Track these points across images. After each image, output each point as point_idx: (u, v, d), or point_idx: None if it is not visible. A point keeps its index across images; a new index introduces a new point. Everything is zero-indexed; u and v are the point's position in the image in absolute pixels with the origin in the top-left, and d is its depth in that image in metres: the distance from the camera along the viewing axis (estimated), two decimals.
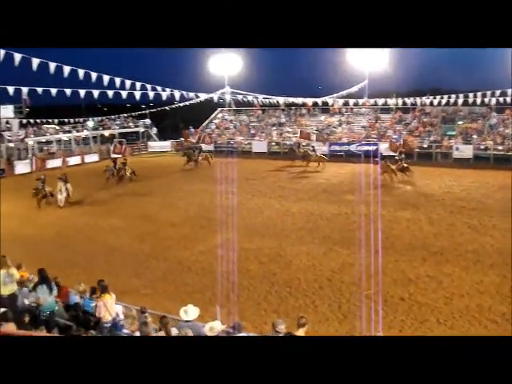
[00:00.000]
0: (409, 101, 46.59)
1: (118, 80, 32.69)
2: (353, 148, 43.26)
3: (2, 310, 6.32)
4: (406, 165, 32.22)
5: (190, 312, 9.58)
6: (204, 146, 45.45)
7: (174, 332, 8.86)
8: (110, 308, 10.65)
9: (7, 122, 45.50)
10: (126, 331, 10.29)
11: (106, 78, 31.47)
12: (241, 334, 9.00)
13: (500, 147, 39.79)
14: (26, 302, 11.54)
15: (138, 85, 35.74)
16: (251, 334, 9.68)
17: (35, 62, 26.09)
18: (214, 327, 8.69)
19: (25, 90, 36.14)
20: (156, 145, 53.07)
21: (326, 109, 51.54)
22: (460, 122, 44.58)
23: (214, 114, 55.89)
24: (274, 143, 47.72)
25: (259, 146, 47.41)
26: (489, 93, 41.94)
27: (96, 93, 34.49)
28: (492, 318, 12.82)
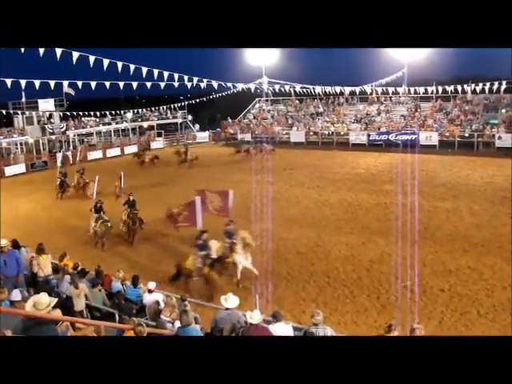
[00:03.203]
0: (449, 88, 45.69)
1: (156, 72, 33.00)
2: (392, 137, 42.72)
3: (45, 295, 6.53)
4: None
5: (230, 300, 9.66)
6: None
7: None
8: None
9: (50, 116, 46.45)
10: (165, 318, 10.47)
11: (144, 70, 31.76)
12: (279, 323, 9.08)
13: None
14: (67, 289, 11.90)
15: (176, 76, 36.06)
16: (289, 323, 9.73)
17: (75, 55, 26.50)
18: (254, 316, 8.75)
19: (65, 83, 36.93)
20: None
21: (364, 98, 51.00)
22: (503, 111, 43.49)
23: (251, 105, 55.93)
24: (312, 133, 47.51)
25: (297, 135, 47.28)
26: None
27: (134, 85, 34.98)
28: None
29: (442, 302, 13.36)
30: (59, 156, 33.92)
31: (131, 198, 20.36)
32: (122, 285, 13.18)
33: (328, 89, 49.81)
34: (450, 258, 16.43)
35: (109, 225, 18.98)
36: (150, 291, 12.17)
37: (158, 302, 11.76)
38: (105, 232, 19.01)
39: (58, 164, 32.21)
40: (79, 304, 11.26)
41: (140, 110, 53.74)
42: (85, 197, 26.36)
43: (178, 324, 8.90)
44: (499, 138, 39.36)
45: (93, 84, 34.43)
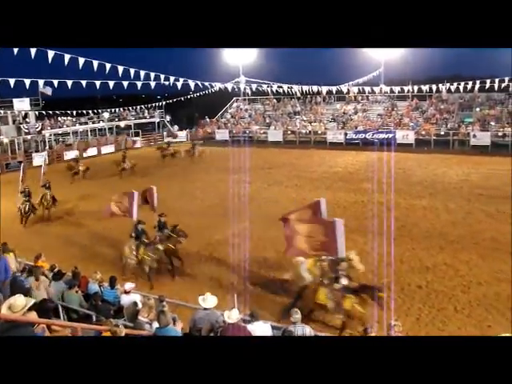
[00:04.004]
0: (425, 88, 46.16)
1: (132, 71, 32.79)
2: (369, 136, 43.01)
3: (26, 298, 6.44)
4: None
5: (208, 300, 9.67)
6: None
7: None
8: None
9: (25, 115, 45.84)
10: (143, 319, 10.39)
11: (120, 69, 31.55)
12: (257, 322, 9.09)
13: None
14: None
15: (152, 75, 35.91)
16: (267, 322, 9.74)
17: (50, 54, 26.21)
18: (232, 316, 8.76)
19: (41, 82, 36.46)
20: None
21: (341, 97, 51.30)
22: (477, 109, 44.09)
23: (229, 104, 55.88)
24: (289, 132, 47.63)
25: (275, 134, 47.36)
26: (507, 78, 41.41)
27: (111, 84, 34.70)
28: (511, 307, 12.76)
29: (419, 299, 13.48)
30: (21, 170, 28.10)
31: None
32: (100, 286, 13.05)
33: (305, 88, 49.96)
34: (427, 254, 16.60)
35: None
36: (126, 292, 12.08)
37: (135, 303, 11.66)
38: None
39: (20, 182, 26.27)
40: (39, 296, 11.10)
41: (117, 110, 53.38)
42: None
43: (156, 325, 8.86)
44: (474, 136, 39.89)
45: (69, 83, 34.16)
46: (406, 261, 16.06)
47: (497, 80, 41.77)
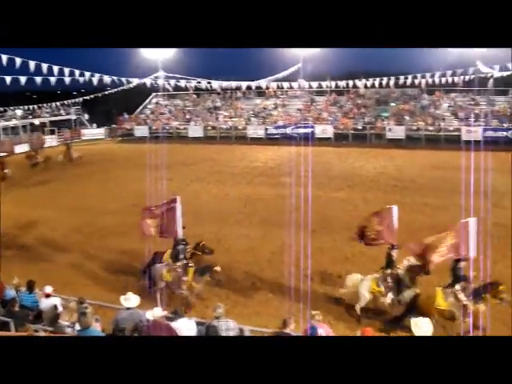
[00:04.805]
0: (343, 83, 47.19)
1: (45, 66, 31.57)
2: (289, 131, 43.53)
3: None
4: None
5: (130, 299, 9.50)
6: None
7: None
8: None
9: None
10: (64, 323, 10.02)
11: (31, 64, 30.27)
12: (181, 319, 8.96)
13: (431, 128, 41.06)
14: None
15: (67, 71, 34.71)
16: (191, 319, 9.63)
17: None
18: (155, 314, 8.64)
19: None
20: (89, 132, 51.68)
21: (261, 92, 51.62)
22: (393, 104, 45.62)
23: (148, 100, 54.97)
24: (210, 127, 47.47)
25: (195, 130, 47.05)
26: (419, 75, 43.02)
27: (23, 79, 33.35)
28: None
29: (340, 288, 13.74)
30: None
31: None
32: (17, 291, 12.47)
33: (225, 83, 49.89)
34: (347, 245, 16.95)
35: None
36: (47, 296, 11.60)
37: (55, 307, 11.25)
38: None
39: None
40: None
41: (31, 107, 51.18)
42: None
43: (78, 327, 8.58)
44: (390, 130, 41.28)
45: None
46: (326, 252, 16.36)
47: (410, 76, 43.31)
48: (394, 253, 12.54)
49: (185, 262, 13.55)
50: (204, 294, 13.58)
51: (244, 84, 50.39)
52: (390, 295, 12.14)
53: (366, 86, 46.54)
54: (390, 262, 12.50)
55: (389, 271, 12.40)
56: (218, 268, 13.24)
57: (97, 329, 8.38)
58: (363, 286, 12.37)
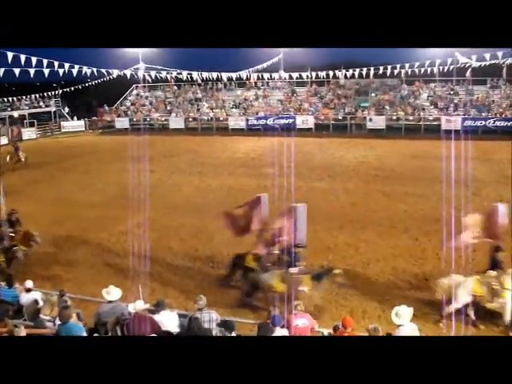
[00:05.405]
0: (323, 74, 47.29)
1: (23, 57, 31.15)
2: (270, 122, 43.58)
3: None
4: None
5: (112, 293, 9.48)
6: None
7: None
8: None
9: None
10: (45, 317, 9.99)
11: (9, 55, 29.85)
12: (164, 312, 8.99)
13: (411, 117, 41.40)
14: None
15: (45, 62, 34.35)
16: (174, 311, 9.67)
17: None
18: (137, 306, 8.65)
19: None
20: (69, 124, 51.16)
21: (242, 83, 51.55)
22: (373, 94, 45.85)
23: (128, 91, 54.57)
24: (191, 119, 47.32)
25: (176, 122, 46.88)
26: (398, 65, 43.27)
27: (1, 71, 32.92)
28: (406, 279, 13.49)
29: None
30: None
31: None
32: None
33: (206, 74, 49.70)
34: (328, 235, 17.07)
35: None
36: (27, 290, 11.54)
37: (36, 301, 11.20)
38: None
39: None
40: None
41: (10, 99, 50.44)
42: None
43: (58, 321, 8.57)
44: (370, 120, 41.51)
45: None
46: (308, 242, 16.43)
47: (389, 67, 43.52)
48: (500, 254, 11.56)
49: (299, 267, 12.00)
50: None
51: (225, 75, 50.31)
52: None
53: (346, 77, 46.76)
54: (494, 264, 11.59)
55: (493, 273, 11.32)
56: (338, 271, 11.87)
57: (77, 323, 8.38)
58: (464, 287, 11.22)
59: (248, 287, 12.52)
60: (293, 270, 11.76)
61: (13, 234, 15.24)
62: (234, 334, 7.98)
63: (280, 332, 8.04)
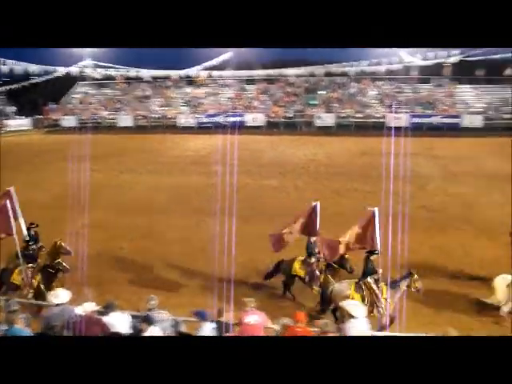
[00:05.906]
0: (272, 72, 47.53)
1: None
2: (220, 119, 43.51)
3: None
4: None
5: (60, 295, 9.24)
6: None
7: None
8: None
9: None
10: None
11: None
12: (114, 313, 8.87)
13: (359, 115, 42.06)
14: None
15: None
16: (125, 312, 9.55)
17: None
18: (86, 308, 8.50)
19: None
20: (14, 123, 49.63)
21: (191, 81, 51.28)
22: (323, 92, 46.36)
23: (72, 88, 53.37)
24: (140, 117, 46.76)
25: (125, 120, 46.24)
26: (346, 64, 43.94)
27: None
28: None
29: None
30: None
31: None
32: None
33: (154, 72, 49.24)
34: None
35: None
36: None
37: None
38: None
39: None
40: None
41: None
42: None
43: (3, 327, 8.34)
44: (319, 117, 41.94)
45: None
46: (258, 240, 16.49)
47: (338, 65, 44.13)
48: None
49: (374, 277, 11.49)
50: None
51: (174, 73, 49.96)
52: None
53: (295, 75, 47.17)
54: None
55: None
56: (416, 276, 11.19)
57: (22, 328, 8.17)
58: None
59: (320, 301, 12.19)
60: (368, 278, 11.45)
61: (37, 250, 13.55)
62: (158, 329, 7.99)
63: (210, 326, 8.10)
